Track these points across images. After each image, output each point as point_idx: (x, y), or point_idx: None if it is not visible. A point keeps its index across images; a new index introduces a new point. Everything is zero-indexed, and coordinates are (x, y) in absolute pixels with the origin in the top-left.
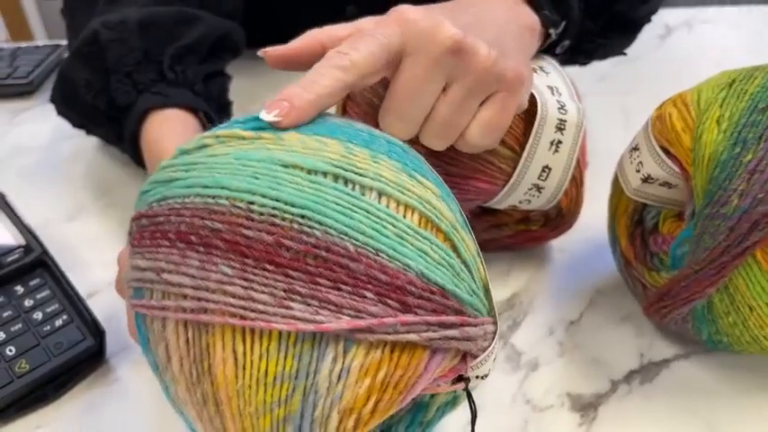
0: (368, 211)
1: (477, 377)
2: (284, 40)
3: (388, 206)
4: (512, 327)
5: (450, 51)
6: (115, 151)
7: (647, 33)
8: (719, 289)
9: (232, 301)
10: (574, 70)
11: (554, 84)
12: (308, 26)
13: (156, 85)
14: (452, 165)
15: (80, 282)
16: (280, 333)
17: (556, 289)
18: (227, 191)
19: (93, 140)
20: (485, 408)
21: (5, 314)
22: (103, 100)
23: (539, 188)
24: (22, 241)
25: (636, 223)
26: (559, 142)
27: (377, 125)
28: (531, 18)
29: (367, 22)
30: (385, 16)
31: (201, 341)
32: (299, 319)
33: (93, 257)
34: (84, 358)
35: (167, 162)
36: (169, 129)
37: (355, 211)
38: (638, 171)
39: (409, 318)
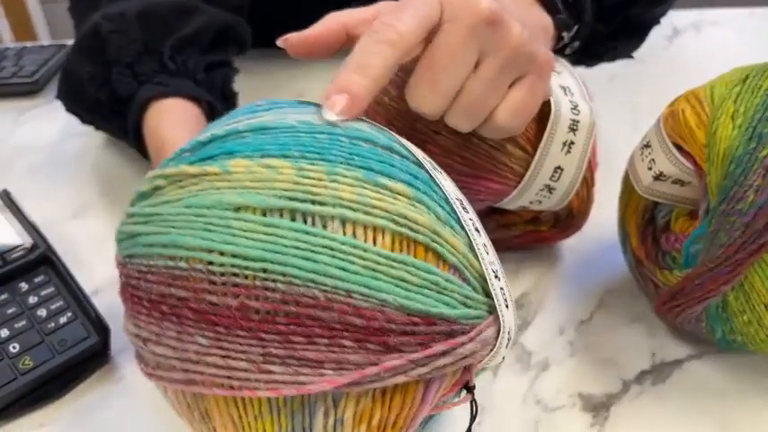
0: (332, 248)
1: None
2: None
3: (354, 235)
4: (521, 327)
5: (487, 21)
6: (120, 149)
7: (655, 34)
8: (734, 287)
9: (214, 371)
10: (583, 70)
11: (566, 84)
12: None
13: (157, 76)
14: (464, 165)
15: (85, 279)
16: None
17: (566, 288)
18: (183, 250)
19: (98, 139)
20: (495, 408)
21: (9, 311)
22: (106, 92)
23: (550, 189)
24: (27, 238)
25: (647, 222)
26: (572, 143)
27: (386, 125)
28: (545, 20)
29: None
30: None
31: (200, 406)
32: (280, 382)
33: (97, 255)
34: (89, 356)
35: (130, 210)
36: (169, 118)
37: (318, 252)
38: (650, 168)
39: (393, 362)
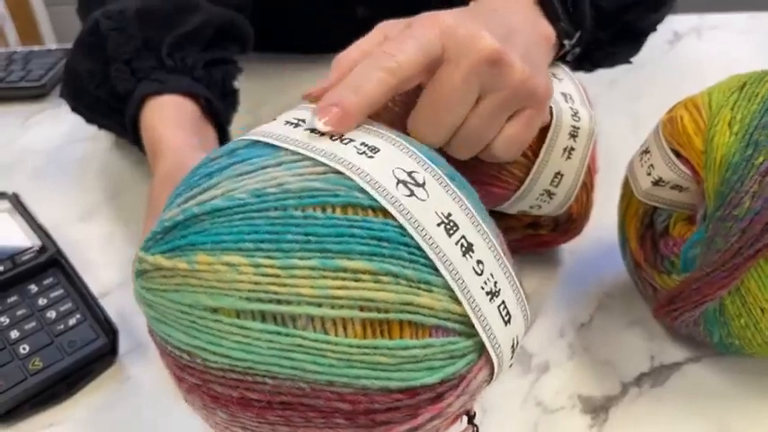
0: (303, 346)
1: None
2: (294, 42)
3: (324, 329)
4: None
5: (490, 62)
6: (126, 153)
7: (656, 39)
8: (731, 291)
9: None
10: (583, 75)
11: (567, 90)
12: (320, 28)
13: (154, 73)
14: (465, 169)
15: (92, 282)
16: None
17: (566, 291)
18: (182, 344)
19: (105, 142)
20: (495, 410)
21: (19, 312)
22: (105, 90)
23: (550, 194)
24: (36, 241)
25: (646, 226)
26: (572, 149)
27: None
28: (547, 28)
29: (393, 27)
30: (417, 20)
31: None
32: None
33: (105, 258)
34: (97, 357)
35: (136, 283)
36: (164, 115)
37: (293, 351)
38: (649, 174)
39: None
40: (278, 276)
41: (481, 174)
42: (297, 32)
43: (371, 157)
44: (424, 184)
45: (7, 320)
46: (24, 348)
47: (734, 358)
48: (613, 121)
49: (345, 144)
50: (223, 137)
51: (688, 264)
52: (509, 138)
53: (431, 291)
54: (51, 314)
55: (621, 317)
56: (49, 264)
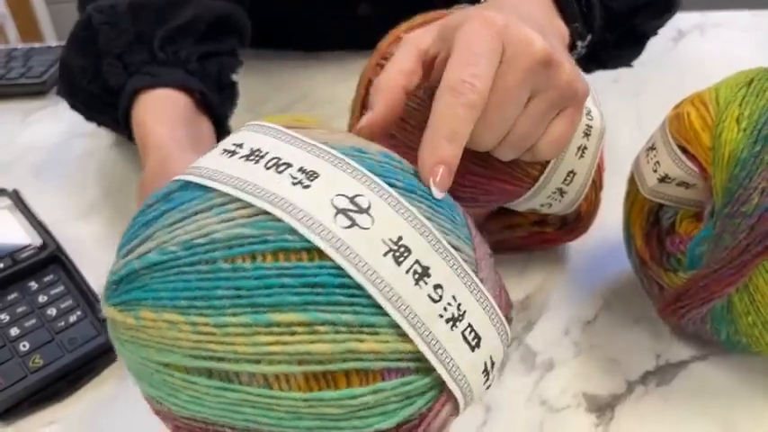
0: (249, 401)
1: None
2: (295, 40)
3: (268, 383)
4: (526, 327)
5: (543, 63)
6: (126, 150)
7: (659, 37)
8: (739, 288)
9: None
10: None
11: None
12: (321, 26)
13: (146, 67)
14: (480, 166)
15: (93, 279)
16: None
17: (571, 289)
18: (149, 391)
19: (105, 140)
20: (499, 409)
21: (20, 309)
22: (98, 84)
23: (562, 192)
24: (36, 238)
25: (652, 223)
26: (585, 147)
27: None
28: (562, 27)
29: (424, 38)
30: (464, 25)
31: None
32: None
33: (104, 255)
34: (98, 354)
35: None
36: (155, 109)
37: (242, 405)
38: (655, 171)
39: None
40: (213, 335)
41: (496, 170)
42: (298, 30)
43: (307, 186)
44: (368, 208)
45: (7, 318)
46: (24, 346)
47: (741, 356)
48: (618, 117)
49: (281, 172)
50: (221, 130)
51: (695, 261)
52: (555, 137)
53: (376, 333)
54: (52, 311)
55: (627, 315)
56: (50, 261)
